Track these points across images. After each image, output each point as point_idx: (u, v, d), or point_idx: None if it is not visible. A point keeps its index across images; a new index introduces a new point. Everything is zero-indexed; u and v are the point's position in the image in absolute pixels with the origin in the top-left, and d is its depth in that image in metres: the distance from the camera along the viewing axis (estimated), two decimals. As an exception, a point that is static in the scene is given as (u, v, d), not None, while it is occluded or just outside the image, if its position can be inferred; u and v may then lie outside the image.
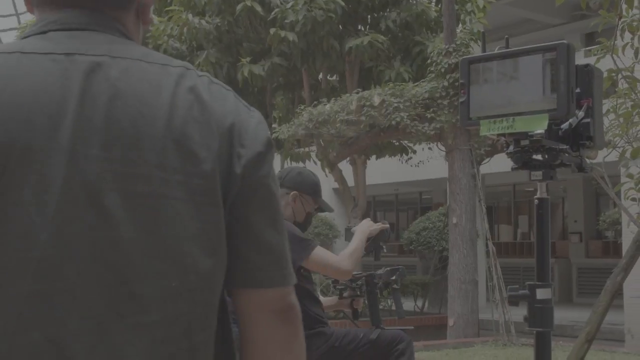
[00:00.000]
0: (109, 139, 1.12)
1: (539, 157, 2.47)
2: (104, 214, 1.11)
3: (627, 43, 4.76)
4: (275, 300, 1.24)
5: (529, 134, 2.40)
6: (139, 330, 1.12)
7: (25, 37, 1.22)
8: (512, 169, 2.51)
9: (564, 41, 2.36)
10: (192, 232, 1.15)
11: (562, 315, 13.83)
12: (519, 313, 2.65)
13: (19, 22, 25.30)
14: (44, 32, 1.21)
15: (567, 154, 2.47)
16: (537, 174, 2.47)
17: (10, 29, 24.66)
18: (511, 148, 2.49)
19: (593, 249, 19.03)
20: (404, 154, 14.14)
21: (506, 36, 2.55)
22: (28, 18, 21.82)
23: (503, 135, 2.48)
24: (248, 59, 12.98)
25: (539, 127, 2.35)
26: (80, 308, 1.09)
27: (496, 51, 2.47)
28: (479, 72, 2.47)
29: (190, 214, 1.15)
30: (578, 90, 2.41)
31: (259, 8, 12.53)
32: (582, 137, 2.46)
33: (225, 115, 1.21)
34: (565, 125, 2.41)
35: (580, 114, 2.41)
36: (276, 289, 1.23)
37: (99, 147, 1.12)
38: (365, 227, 3.91)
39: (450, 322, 10.29)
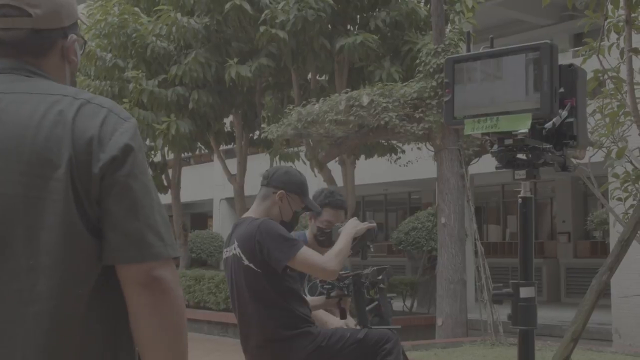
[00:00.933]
0: None
1: (522, 156, 2.48)
2: None
3: (613, 44, 4.77)
4: (137, 274, 1.57)
5: (513, 133, 2.41)
6: (9, 295, 1.52)
7: None
8: (496, 168, 2.52)
9: (548, 41, 2.37)
10: (48, 223, 1.53)
11: (550, 315, 13.87)
12: (507, 313, 2.66)
13: None
14: None
15: (550, 153, 2.48)
16: (521, 173, 2.48)
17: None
18: (495, 147, 2.50)
19: (581, 249, 19.10)
20: (392, 154, 14.17)
21: (491, 36, 2.56)
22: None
23: (487, 134, 2.48)
24: (235, 60, 12.96)
25: (523, 127, 2.35)
26: None
27: (480, 51, 2.48)
28: (463, 72, 2.48)
29: (47, 209, 1.53)
30: (562, 90, 2.42)
31: (247, 7, 12.52)
32: (565, 137, 2.47)
33: (87, 129, 1.57)
34: (548, 125, 2.42)
35: (564, 113, 2.42)
36: (136, 264, 1.57)
37: None
38: (351, 227, 3.90)
39: (439, 321, 10.30)
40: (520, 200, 2.57)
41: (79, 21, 1.80)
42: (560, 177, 18.99)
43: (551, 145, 2.47)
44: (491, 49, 2.47)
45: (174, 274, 1.63)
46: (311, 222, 4.38)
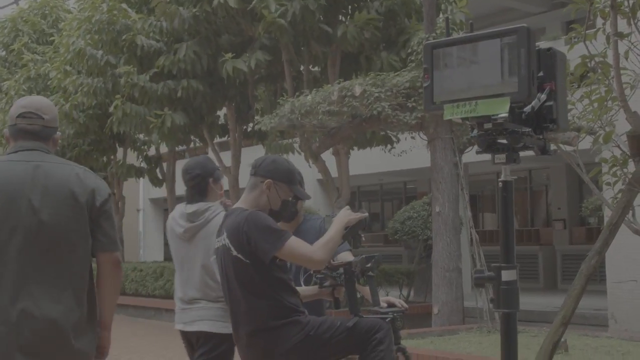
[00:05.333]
0: (44, 195, 3.10)
1: (503, 140, 2.48)
2: (41, 221, 3.09)
3: (599, 29, 4.77)
4: (110, 258, 3.26)
5: (492, 117, 2.41)
6: (64, 266, 3.15)
7: (9, 154, 3.23)
8: (477, 152, 2.53)
9: (524, 25, 2.38)
10: (77, 228, 3.15)
11: (546, 302, 13.92)
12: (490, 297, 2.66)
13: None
14: (16, 152, 3.21)
15: (530, 137, 2.49)
16: (501, 157, 2.49)
17: (9, 4, 24.57)
18: (475, 132, 2.51)
19: (576, 235, 19.15)
20: (388, 144, 14.19)
21: (470, 21, 2.57)
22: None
23: (467, 119, 2.49)
24: (230, 55, 12.92)
25: (501, 111, 2.36)
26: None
27: (457, 36, 2.48)
28: (440, 57, 2.49)
29: (77, 221, 3.14)
30: (541, 73, 2.43)
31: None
32: (545, 120, 2.47)
33: (90, 184, 3.21)
34: (527, 108, 2.43)
35: (543, 97, 2.43)
36: (110, 252, 3.25)
37: (40, 197, 3.09)
38: (342, 217, 3.90)
39: (435, 310, 10.32)
40: (500, 184, 2.58)
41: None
42: (554, 165, 19.02)
43: (530, 129, 2.48)
44: (467, 34, 2.48)
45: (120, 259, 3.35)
46: None
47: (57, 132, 3.34)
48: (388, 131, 13.33)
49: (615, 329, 11.47)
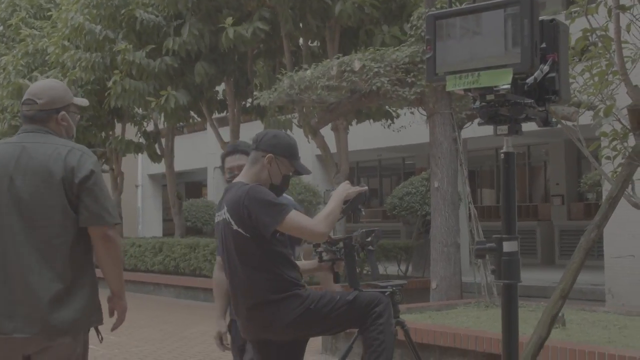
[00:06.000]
0: (26, 173, 3.36)
1: (505, 112, 2.48)
2: (20, 197, 3.34)
3: (600, 2, 4.75)
4: (97, 232, 3.39)
5: (495, 88, 2.40)
6: (46, 237, 3.34)
7: (12, 136, 3.58)
8: (479, 124, 2.53)
9: (528, -5, 2.37)
10: (53, 204, 3.33)
11: (544, 277, 13.98)
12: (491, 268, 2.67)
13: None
14: (18, 134, 3.53)
15: (532, 108, 2.48)
16: (503, 129, 2.49)
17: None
18: (477, 103, 2.50)
19: (575, 211, 19.20)
20: (388, 120, 14.17)
21: (473, -8, 2.54)
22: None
23: (469, 90, 2.48)
24: (230, 20, 12.82)
25: (504, 82, 2.35)
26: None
27: (460, 7, 2.47)
28: (443, 28, 2.48)
29: (53, 198, 3.33)
30: (543, 45, 2.42)
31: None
32: (547, 92, 2.47)
33: (71, 162, 3.37)
34: (530, 80, 2.42)
35: (545, 68, 2.42)
36: (96, 227, 3.38)
37: (22, 176, 3.36)
38: (341, 190, 3.90)
39: (433, 284, 10.35)
40: (502, 156, 2.58)
41: None
42: (553, 141, 19.01)
43: (533, 100, 2.47)
44: (470, 5, 2.47)
45: (116, 232, 3.45)
46: None
47: (61, 112, 3.53)
48: (388, 107, 13.30)
49: (613, 303, 11.53)
